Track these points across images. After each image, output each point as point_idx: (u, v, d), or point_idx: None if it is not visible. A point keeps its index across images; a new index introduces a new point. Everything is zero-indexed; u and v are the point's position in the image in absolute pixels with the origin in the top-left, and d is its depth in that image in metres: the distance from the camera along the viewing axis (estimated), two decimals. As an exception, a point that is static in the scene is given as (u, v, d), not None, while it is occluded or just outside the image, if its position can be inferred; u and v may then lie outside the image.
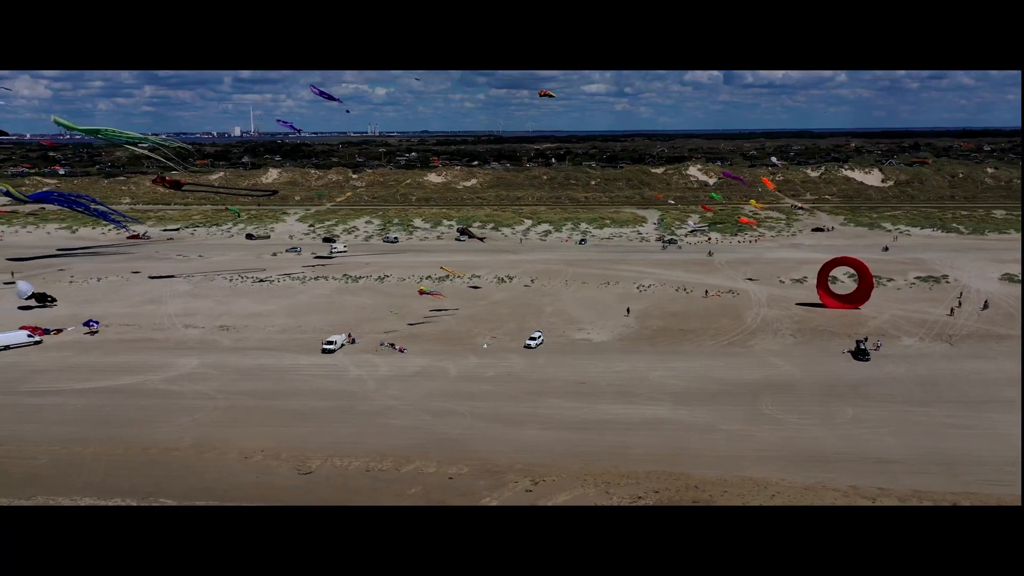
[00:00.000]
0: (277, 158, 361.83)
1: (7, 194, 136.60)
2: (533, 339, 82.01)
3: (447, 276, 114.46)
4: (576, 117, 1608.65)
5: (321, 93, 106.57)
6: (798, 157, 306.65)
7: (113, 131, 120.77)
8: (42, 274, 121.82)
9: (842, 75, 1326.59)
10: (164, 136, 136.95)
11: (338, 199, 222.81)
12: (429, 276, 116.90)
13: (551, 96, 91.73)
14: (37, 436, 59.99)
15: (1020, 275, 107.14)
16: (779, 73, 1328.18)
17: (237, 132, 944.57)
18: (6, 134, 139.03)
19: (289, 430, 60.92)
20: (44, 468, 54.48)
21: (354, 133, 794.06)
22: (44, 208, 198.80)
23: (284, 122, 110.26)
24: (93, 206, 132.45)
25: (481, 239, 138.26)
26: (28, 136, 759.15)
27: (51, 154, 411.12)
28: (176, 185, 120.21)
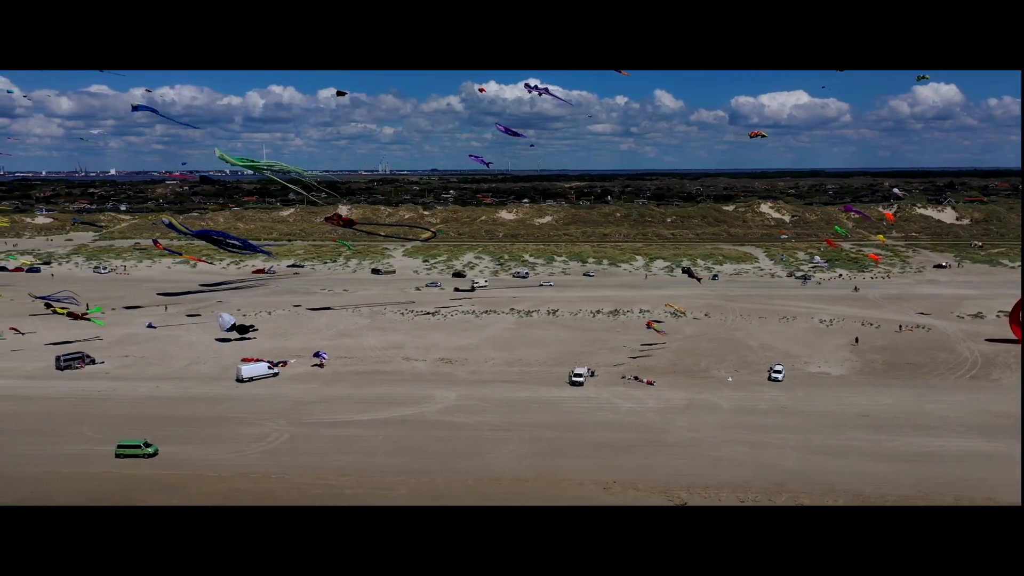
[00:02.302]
0: (323, 195, 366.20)
1: (171, 226, 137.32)
2: (778, 372, 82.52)
3: (618, 311, 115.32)
4: (582, 156, 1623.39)
5: (507, 130, 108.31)
6: (844, 195, 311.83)
7: (276, 164, 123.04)
8: (200, 309, 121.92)
9: (847, 115, 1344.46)
10: (319, 172, 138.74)
11: (423, 236, 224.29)
12: (608, 309, 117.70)
13: (763, 136, 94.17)
14: (375, 467, 59.89)
15: None
16: (784, 113, 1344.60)
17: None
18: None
19: (618, 461, 60.94)
20: (410, 500, 54.31)
21: (365, 171, 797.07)
22: (138, 243, 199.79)
23: (476, 157, 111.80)
24: (250, 243, 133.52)
25: (698, 279, 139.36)
26: (44, 173, 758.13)
27: (91, 191, 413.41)
28: (349, 223, 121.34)
